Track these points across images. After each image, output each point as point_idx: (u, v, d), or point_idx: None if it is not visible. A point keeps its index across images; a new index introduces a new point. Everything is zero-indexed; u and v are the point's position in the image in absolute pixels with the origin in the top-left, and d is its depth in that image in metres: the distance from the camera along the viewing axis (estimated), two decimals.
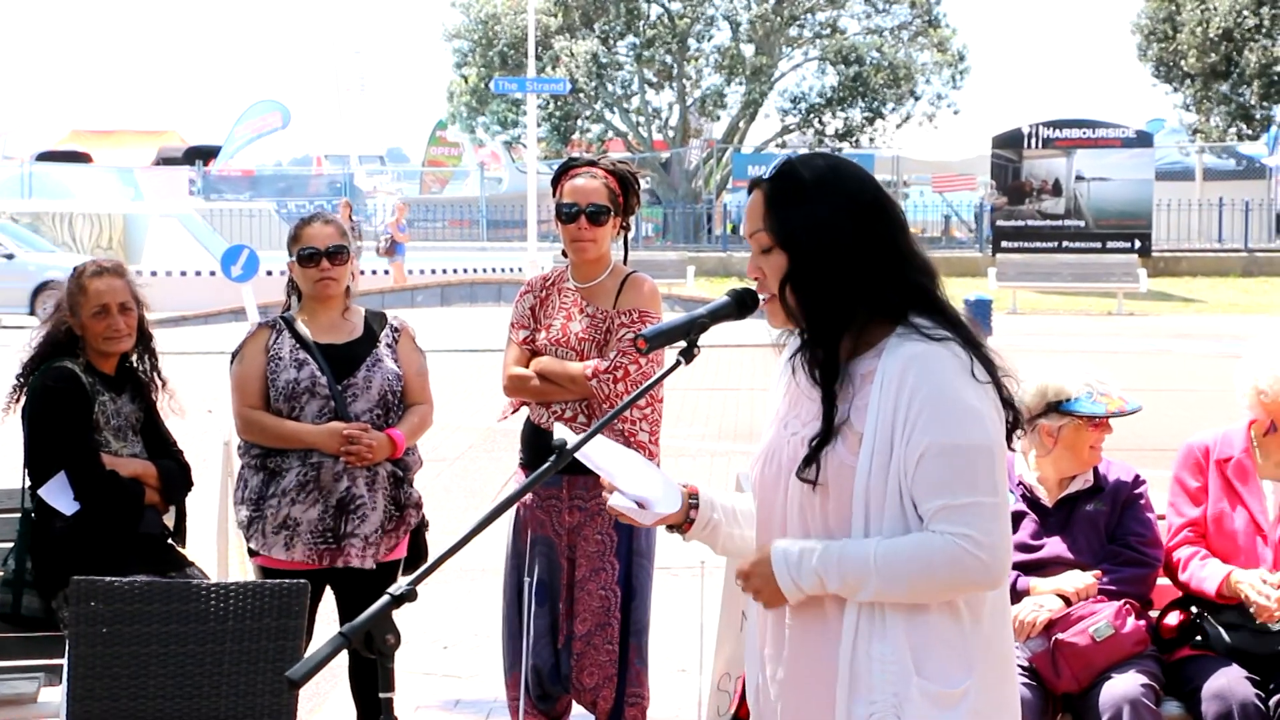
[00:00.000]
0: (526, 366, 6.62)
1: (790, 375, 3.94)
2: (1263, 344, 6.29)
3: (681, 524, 3.99)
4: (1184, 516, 6.28)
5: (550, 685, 6.56)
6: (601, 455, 3.94)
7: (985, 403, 3.71)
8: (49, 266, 33.14)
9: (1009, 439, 3.80)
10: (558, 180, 6.66)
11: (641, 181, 6.89)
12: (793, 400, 3.91)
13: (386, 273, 38.17)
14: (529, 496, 6.61)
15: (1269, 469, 6.27)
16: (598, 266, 6.65)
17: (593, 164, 6.67)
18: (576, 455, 3.84)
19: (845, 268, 3.73)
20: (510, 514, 6.72)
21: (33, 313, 32.43)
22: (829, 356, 3.77)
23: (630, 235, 6.84)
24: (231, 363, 6.62)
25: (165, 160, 55.53)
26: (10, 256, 34.29)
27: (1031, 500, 6.21)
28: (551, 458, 3.74)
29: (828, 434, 3.74)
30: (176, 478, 6.68)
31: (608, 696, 6.54)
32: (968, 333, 3.78)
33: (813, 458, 3.75)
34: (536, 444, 6.58)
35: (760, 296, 3.84)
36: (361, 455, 6.41)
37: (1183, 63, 52.66)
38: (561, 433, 3.90)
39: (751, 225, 3.82)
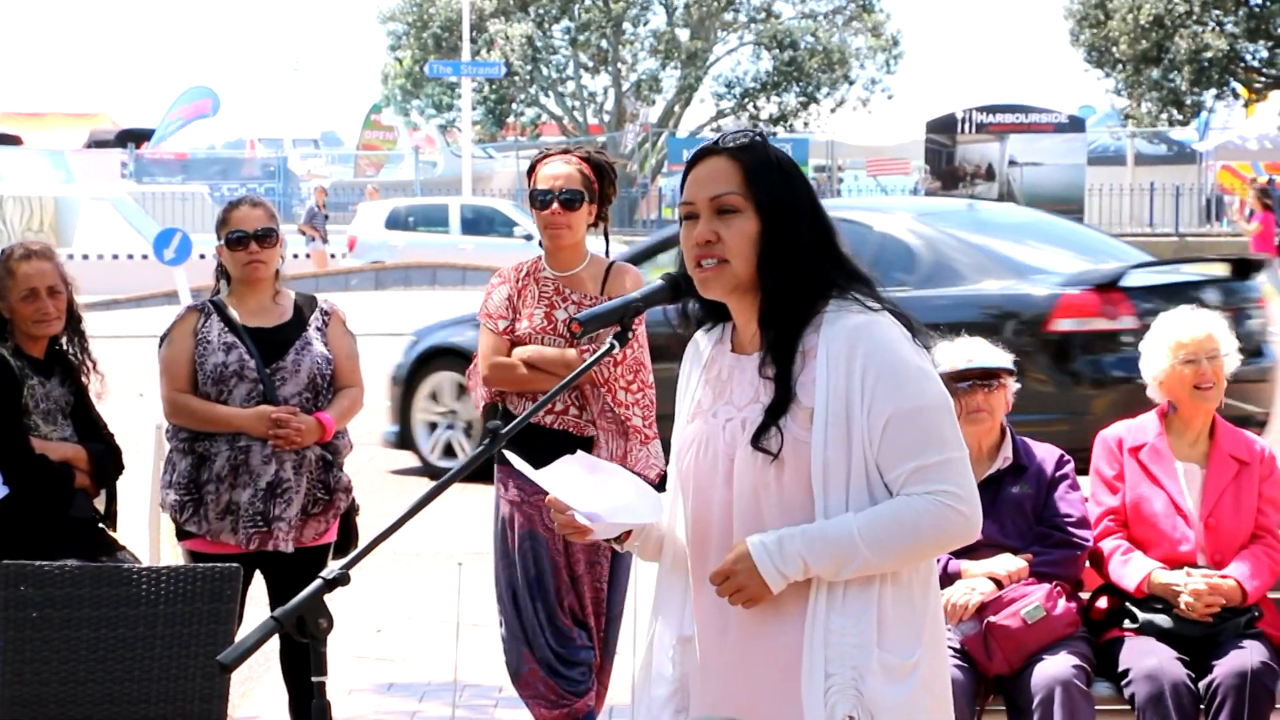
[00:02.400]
0: (506, 356, 6.59)
1: (701, 367, 3.96)
2: (1150, 334, 6.39)
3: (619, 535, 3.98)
4: (1102, 505, 6.32)
5: (568, 673, 6.59)
6: (559, 477, 3.92)
7: (930, 364, 3.79)
8: None
9: None
10: (532, 169, 6.66)
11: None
12: (717, 390, 3.91)
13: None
14: (515, 493, 6.60)
15: (1183, 449, 6.32)
16: (575, 255, 6.64)
17: (566, 151, 6.67)
18: (536, 479, 3.87)
19: (811, 245, 3.80)
20: (496, 512, 6.73)
21: None
22: (785, 332, 3.79)
23: (609, 225, 6.83)
24: (160, 346, 6.58)
25: (97, 143, 55.10)
26: (529, 238, 32.98)
27: None
28: (484, 443, 3.75)
29: (784, 402, 3.75)
30: (107, 461, 6.64)
31: None
32: (896, 307, 3.84)
33: (769, 424, 3.75)
34: (514, 436, 6.57)
35: (708, 262, 3.83)
36: (290, 439, 6.38)
37: (1114, 49, 52.84)
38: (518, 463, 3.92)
39: (717, 188, 3.82)
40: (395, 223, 34.33)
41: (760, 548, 3.73)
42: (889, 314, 3.79)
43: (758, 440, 3.77)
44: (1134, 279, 11.63)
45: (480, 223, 35.27)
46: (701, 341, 4.01)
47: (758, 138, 3.88)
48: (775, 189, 3.81)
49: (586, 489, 3.89)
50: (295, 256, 32.02)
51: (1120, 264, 11.91)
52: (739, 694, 3.86)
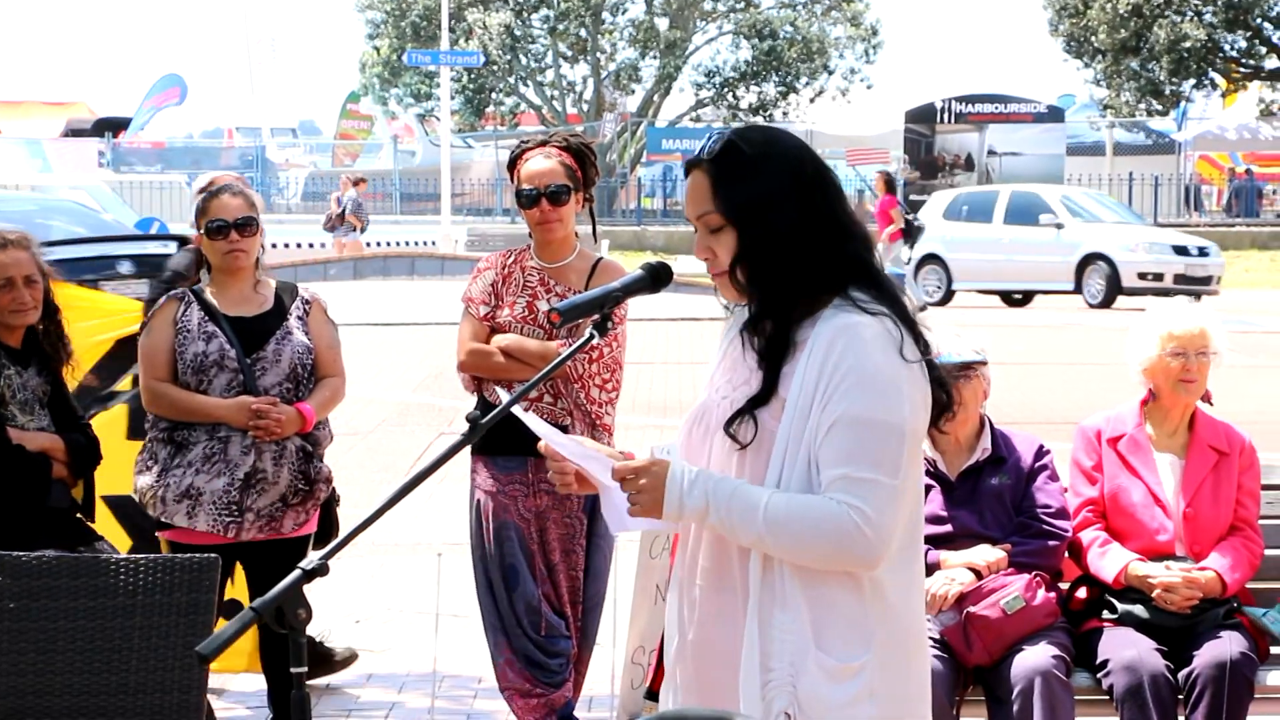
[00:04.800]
0: (485, 342, 6.58)
1: (728, 345, 3.93)
2: (1143, 320, 6.40)
3: None
4: (1081, 496, 6.32)
5: (547, 663, 6.61)
6: (569, 442, 3.90)
7: (910, 382, 3.70)
8: (1082, 241, 31.07)
9: (938, 421, 3.81)
10: (513, 165, 6.65)
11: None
12: (729, 367, 3.89)
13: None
14: (490, 483, 6.61)
15: (1162, 440, 6.32)
16: (564, 246, 6.66)
17: (544, 143, 6.65)
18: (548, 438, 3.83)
19: (792, 242, 3.73)
20: (470, 502, 6.73)
21: (1077, 290, 30.74)
22: (778, 330, 3.76)
23: (594, 207, 6.84)
24: (139, 335, 6.56)
25: (74, 132, 54.99)
26: (1060, 226, 31.49)
27: (935, 473, 6.23)
28: (463, 432, 3.73)
29: (766, 395, 3.73)
30: (85, 451, 6.62)
31: None
32: (903, 309, 3.77)
33: (744, 413, 3.74)
34: (491, 426, 6.57)
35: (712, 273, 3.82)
36: (270, 429, 6.36)
37: (1093, 38, 52.92)
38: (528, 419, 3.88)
39: (698, 207, 3.79)
40: (953, 213, 32.85)
41: (678, 472, 3.72)
42: (888, 319, 3.71)
43: (729, 426, 3.76)
44: (59, 253, 13.85)
45: (1023, 212, 32.52)
46: (743, 315, 3.96)
47: (728, 140, 3.79)
48: (745, 195, 3.74)
49: (595, 457, 3.88)
50: (275, 246, 31.93)
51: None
52: (702, 675, 3.87)
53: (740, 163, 3.76)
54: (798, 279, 3.74)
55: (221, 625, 4.48)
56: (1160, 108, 53.45)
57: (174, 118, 55.96)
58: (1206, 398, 6.39)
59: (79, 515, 6.61)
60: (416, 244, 39.54)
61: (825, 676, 3.68)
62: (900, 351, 3.69)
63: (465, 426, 3.76)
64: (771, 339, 3.76)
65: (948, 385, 3.83)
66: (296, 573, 3.39)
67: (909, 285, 29.44)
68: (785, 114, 57.32)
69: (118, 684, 5.54)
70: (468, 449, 3.96)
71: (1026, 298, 32.32)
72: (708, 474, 3.73)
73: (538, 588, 6.61)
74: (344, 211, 37.11)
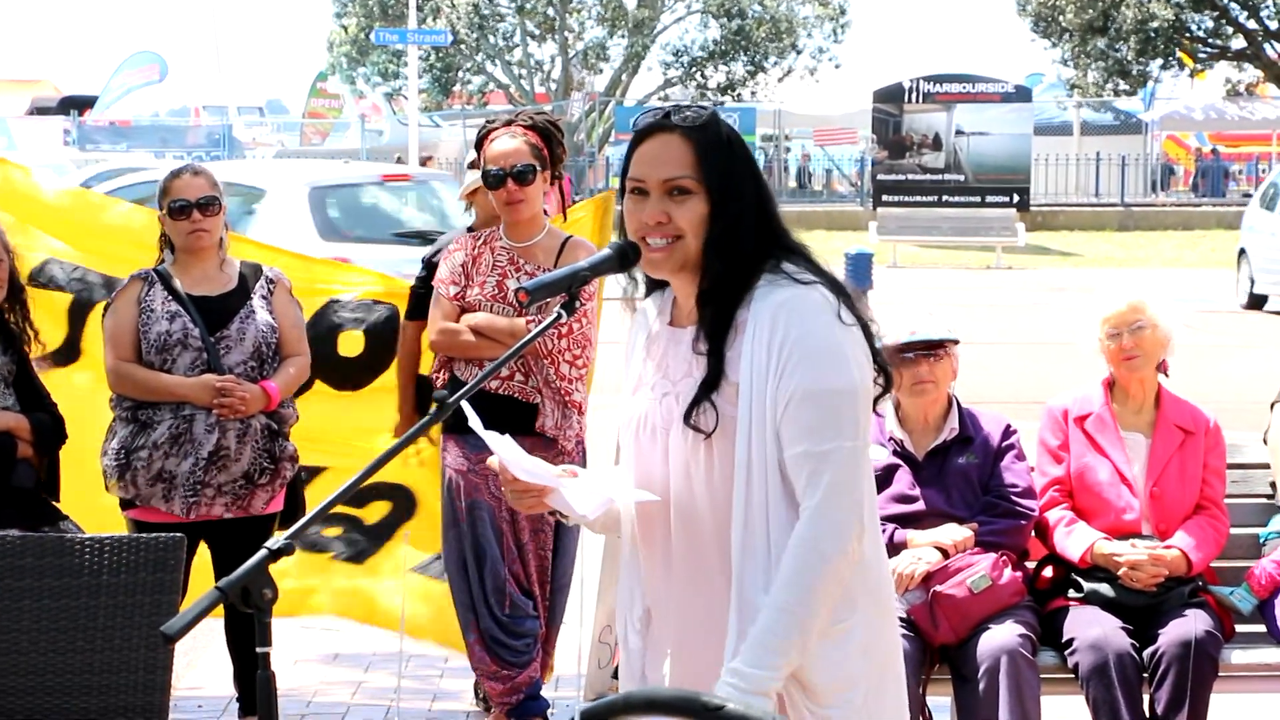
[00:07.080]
0: (455, 322, 6.60)
1: (645, 340, 3.94)
2: (1084, 308, 6.46)
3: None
4: (1047, 476, 6.34)
5: (512, 643, 6.63)
6: (510, 445, 3.89)
7: (851, 344, 3.74)
8: None
9: (880, 397, 3.83)
10: (479, 145, 6.67)
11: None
12: (657, 363, 3.90)
13: None
14: (461, 462, 6.62)
15: (1128, 419, 6.35)
16: (533, 226, 6.67)
17: (510, 123, 6.66)
18: (489, 441, 3.82)
19: (754, 222, 3.78)
20: (442, 481, 6.74)
21: None
22: (722, 309, 3.77)
23: (562, 184, 6.86)
24: (104, 315, 6.55)
25: (39, 110, 54.74)
26: None
27: (903, 453, 6.24)
28: (431, 410, 3.72)
29: (715, 380, 3.73)
30: (49, 431, 6.60)
31: None
32: (833, 278, 3.81)
33: (700, 399, 3.73)
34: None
35: (657, 241, 3.81)
36: (234, 407, 6.36)
37: (1061, 18, 52.97)
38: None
39: (673, 169, 3.78)
40: (1264, 199, 27.18)
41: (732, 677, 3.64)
42: (822, 287, 3.76)
43: (689, 416, 3.76)
44: None
45: None
46: (650, 310, 3.98)
47: (711, 114, 3.85)
48: (725, 170, 3.79)
49: (534, 461, 3.88)
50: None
51: None
52: (682, 655, 3.88)
53: (719, 138, 3.81)
54: (749, 257, 3.78)
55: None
56: (1127, 88, 53.55)
57: (150, 94, 55.67)
58: (1163, 368, 6.40)
59: (43, 495, 6.59)
60: None
61: (819, 637, 3.69)
62: (838, 316, 3.73)
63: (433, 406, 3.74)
64: (712, 320, 3.78)
65: (882, 358, 3.85)
66: (262, 552, 3.37)
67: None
68: (754, 93, 57.33)
69: (82, 663, 5.52)
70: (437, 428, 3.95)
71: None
72: (734, 668, 3.65)
73: (505, 567, 6.62)
74: None
